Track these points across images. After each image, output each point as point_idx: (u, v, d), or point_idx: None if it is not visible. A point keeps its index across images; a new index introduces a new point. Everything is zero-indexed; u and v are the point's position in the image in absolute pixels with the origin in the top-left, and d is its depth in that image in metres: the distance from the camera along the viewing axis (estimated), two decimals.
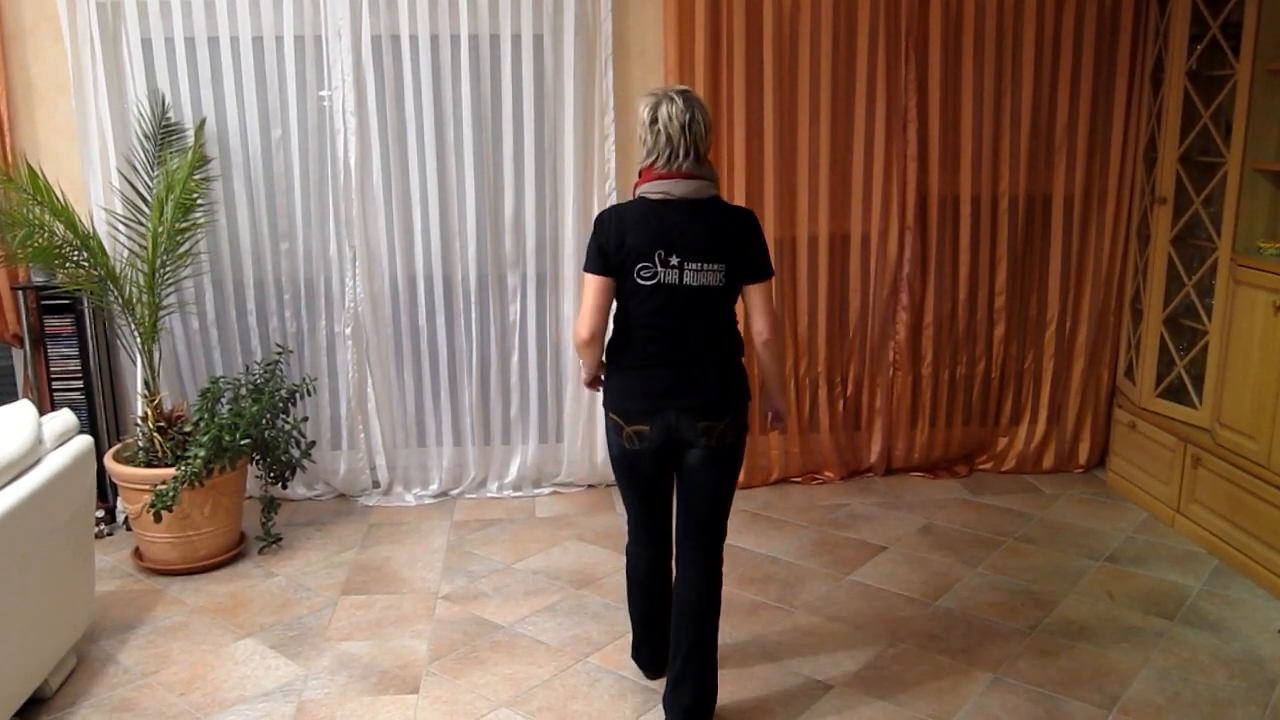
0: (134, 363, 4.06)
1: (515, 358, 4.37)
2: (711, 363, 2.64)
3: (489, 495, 4.45)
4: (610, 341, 2.70)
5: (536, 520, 4.20)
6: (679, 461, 2.69)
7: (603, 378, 2.75)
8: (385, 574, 3.72)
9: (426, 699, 2.92)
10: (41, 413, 2.99)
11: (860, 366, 4.52)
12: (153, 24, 3.96)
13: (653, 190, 2.56)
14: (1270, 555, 3.50)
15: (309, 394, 4.03)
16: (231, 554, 3.81)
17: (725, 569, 2.77)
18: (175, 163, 3.86)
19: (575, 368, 4.33)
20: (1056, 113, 4.36)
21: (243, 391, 3.83)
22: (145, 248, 3.76)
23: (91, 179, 4.02)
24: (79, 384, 4.05)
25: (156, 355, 3.86)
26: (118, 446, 3.87)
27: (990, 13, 4.22)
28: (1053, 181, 4.43)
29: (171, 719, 2.84)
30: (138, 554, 3.78)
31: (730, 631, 3.25)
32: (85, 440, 3.05)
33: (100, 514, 3.98)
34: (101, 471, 3.68)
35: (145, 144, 3.97)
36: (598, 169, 4.23)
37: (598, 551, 3.88)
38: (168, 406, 3.93)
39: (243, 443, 3.64)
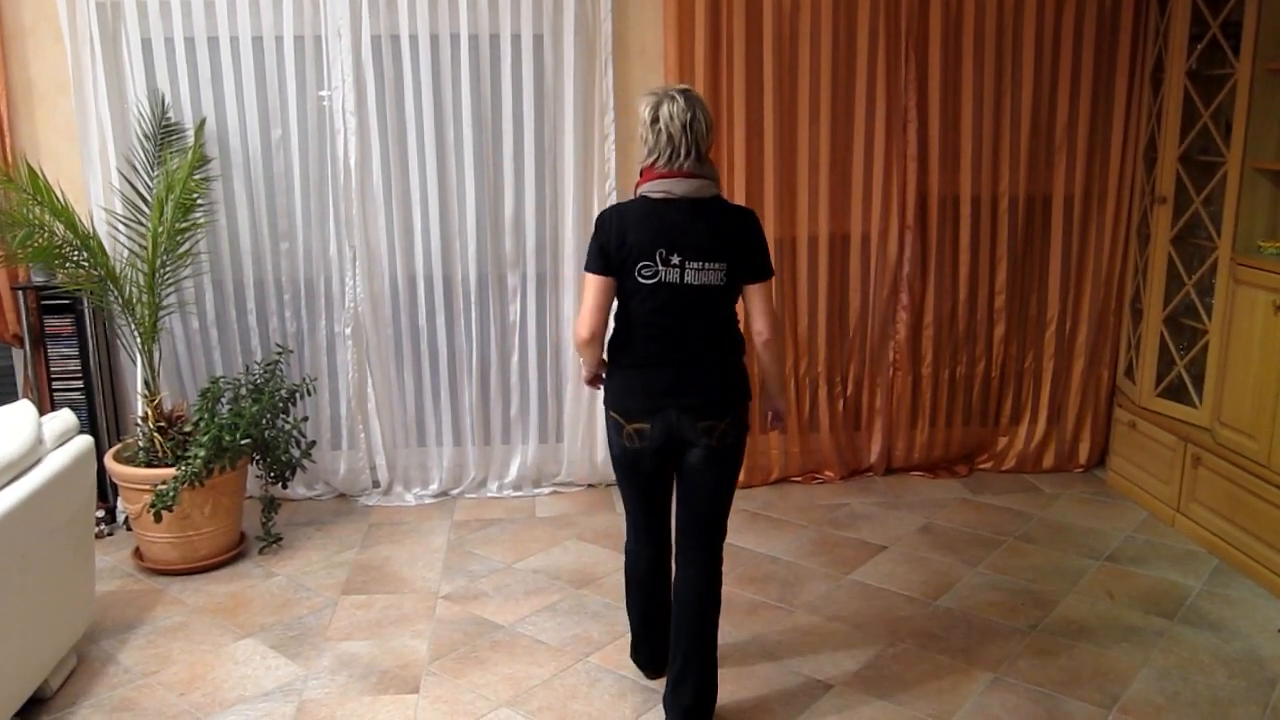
0: (134, 363, 4.06)
1: (515, 357, 4.37)
2: (712, 362, 2.64)
3: (489, 495, 4.45)
4: (611, 340, 2.70)
5: (536, 520, 4.20)
6: (679, 461, 2.69)
7: (603, 376, 2.75)
8: (385, 574, 3.72)
9: (427, 699, 2.92)
10: (41, 413, 2.99)
11: (860, 366, 4.52)
12: (153, 24, 3.96)
13: (654, 189, 2.56)
14: (1270, 555, 3.50)
15: (309, 394, 4.03)
16: (232, 554, 3.81)
17: (725, 568, 2.77)
18: (175, 163, 3.86)
19: (575, 367, 4.33)
20: (1056, 112, 4.36)
21: (243, 391, 3.83)
22: (145, 248, 3.76)
23: (91, 179, 4.02)
24: (79, 384, 4.04)
25: (156, 355, 3.86)
26: (118, 446, 3.87)
27: (990, 13, 4.22)
28: (1053, 181, 4.43)
29: (171, 719, 2.84)
30: (138, 554, 3.78)
31: (730, 631, 3.25)
32: (85, 440, 3.05)
33: (100, 514, 3.98)
34: (102, 471, 3.68)
35: (145, 144, 3.97)
36: (598, 169, 4.23)
37: (598, 551, 3.88)
38: (168, 406, 3.93)
39: (243, 443, 3.64)
